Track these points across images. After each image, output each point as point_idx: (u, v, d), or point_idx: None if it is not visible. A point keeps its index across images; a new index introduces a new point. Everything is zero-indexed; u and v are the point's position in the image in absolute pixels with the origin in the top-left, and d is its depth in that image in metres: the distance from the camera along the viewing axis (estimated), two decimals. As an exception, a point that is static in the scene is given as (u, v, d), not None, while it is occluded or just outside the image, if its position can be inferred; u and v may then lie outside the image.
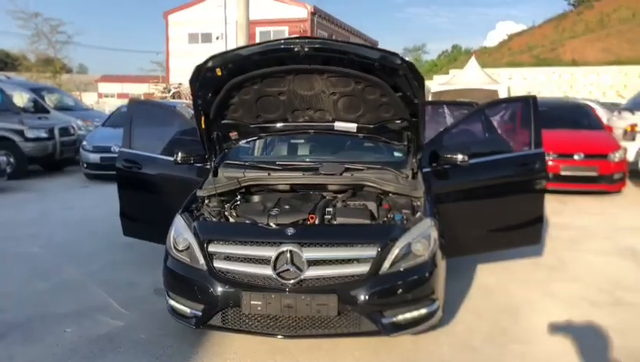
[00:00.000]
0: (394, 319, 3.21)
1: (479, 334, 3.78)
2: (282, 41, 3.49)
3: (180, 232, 3.52)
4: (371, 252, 3.21)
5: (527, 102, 4.82)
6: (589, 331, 3.83)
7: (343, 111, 3.91)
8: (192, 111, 5.45)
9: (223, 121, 4.03)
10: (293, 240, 3.21)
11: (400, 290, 3.23)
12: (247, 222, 3.62)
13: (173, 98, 28.25)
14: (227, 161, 4.24)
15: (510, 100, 5.77)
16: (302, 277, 3.15)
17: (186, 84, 29.66)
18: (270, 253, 3.20)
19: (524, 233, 4.71)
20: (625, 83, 28.70)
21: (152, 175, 4.88)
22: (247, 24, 14.28)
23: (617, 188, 8.76)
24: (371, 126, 3.97)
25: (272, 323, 3.22)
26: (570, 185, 8.55)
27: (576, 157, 8.51)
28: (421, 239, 3.33)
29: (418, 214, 3.60)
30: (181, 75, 32.81)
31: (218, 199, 3.89)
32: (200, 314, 3.32)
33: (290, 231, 3.26)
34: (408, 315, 3.25)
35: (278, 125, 4.09)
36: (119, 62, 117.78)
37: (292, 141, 4.72)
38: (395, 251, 3.24)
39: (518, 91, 28.12)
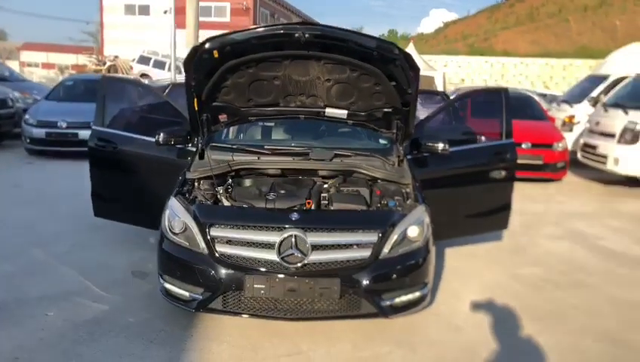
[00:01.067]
0: (392, 302, 3.35)
1: (461, 315, 4.00)
2: (282, 27, 3.49)
3: (176, 215, 3.48)
4: (372, 237, 3.32)
5: (499, 95, 5.05)
6: (559, 311, 4.14)
7: (336, 98, 3.97)
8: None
9: (214, 104, 3.99)
10: (298, 225, 3.26)
11: (398, 274, 3.36)
12: (246, 206, 3.63)
13: (109, 71, 27.13)
14: (214, 144, 4.21)
15: (481, 92, 6.00)
16: (306, 261, 3.22)
17: (123, 57, 28.59)
18: (275, 237, 3.24)
19: (495, 219, 4.98)
20: (551, 74, 30.34)
21: (129, 155, 4.74)
22: (197, -1, 13.91)
23: (560, 176, 9.32)
24: (362, 113, 4.05)
25: (272, 305, 3.27)
26: (518, 172, 8.98)
27: (523, 146, 8.95)
28: (416, 225, 3.47)
29: (409, 201, 3.74)
30: (116, 47, 31.55)
31: (209, 182, 3.87)
32: (201, 297, 3.32)
33: (295, 216, 3.30)
34: (404, 298, 3.40)
35: (269, 109, 4.09)
36: (44, 29, 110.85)
37: (279, 125, 4.72)
38: (394, 237, 3.36)
39: (453, 79, 29.13)
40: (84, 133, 9.02)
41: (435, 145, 4.32)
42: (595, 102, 10.84)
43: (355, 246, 3.32)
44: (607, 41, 32.90)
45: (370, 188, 3.91)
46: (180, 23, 16.06)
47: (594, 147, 9.28)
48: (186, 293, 3.38)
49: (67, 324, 3.64)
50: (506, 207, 4.97)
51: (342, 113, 4.07)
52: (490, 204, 4.94)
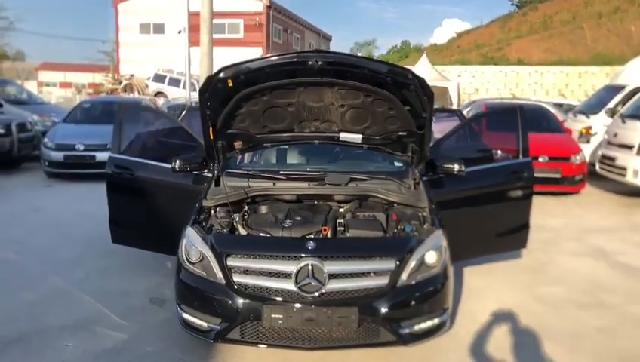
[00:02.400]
0: (411, 329, 3.32)
1: (481, 338, 3.94)
2: (296, 55, 3.51)
3: (193, 244, 3.49)
4: (390, 264, 3.30)
5: (515, 113, 5.02)
6: (581, 333, 4.06)
7: (350, 123, 3.97)
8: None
9: (229, 131, 4.01)
10: (314, 254, 3.26)
11: (416, 302, 3.33)
12: (263, 234, 3.63)
13: (125, 90, 27.51)
14: (229, 170, 4.23)
15: (498, 111, 5.97)
16: (323, 290, 3.20)
17: (138, 76, 28.98)
18: (292, 266, 3.24)
19: (513, 238, 4.94)
20: (566, 82, 30.08)
21: (145, 181, 4.78)
22: (211, 18, 14.08)
23: (578, 189, 9.22)
24: (377, 137, 4.05)
25: (290, 335, 3.26)
26: (535, 186, 8.90)
27: (540, 159, 8.87)
28: (434, 250, 3.44)
29: (426, 225, 3.71)
30: (132, 66, 32.00)
31: (225, 209, 3.88)
32: (219, 328, 3.32)
33: (311, 245, 3.30)
34: (424, 325, 3.36)
35: (284, 135, 4.10)
36: (61, 50, 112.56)
37: (294, 150, 4.74)
38: (411, 263, 3.34)
39: (467, 88, 29.05)
40: (102, 155, 9.19)
41: (451, 166, 4.29)
42: (612, 113, 10.71)
43: (372, 274, 3.30)
44: (623, 47, 32.58)
45: (386, 213, 3.89)
46: (194, 41, 16.25)
47: (612, 159, 9.16)
48: (204, 324, 3.38)
49: (87, 355, 3.65)
50: (524, 226, 4.92)
51: (356, 138, 4.06)
52: (509, 224, 4.89)
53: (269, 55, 3.61)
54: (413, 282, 3.32)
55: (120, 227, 4.97)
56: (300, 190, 3.98)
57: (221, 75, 3.56)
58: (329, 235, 3.66)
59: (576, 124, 11.70)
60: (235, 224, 3.80)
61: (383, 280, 3.28)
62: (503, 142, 5.63)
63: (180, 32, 20.22)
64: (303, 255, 3.26)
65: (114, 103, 10.96)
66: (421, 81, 3.54)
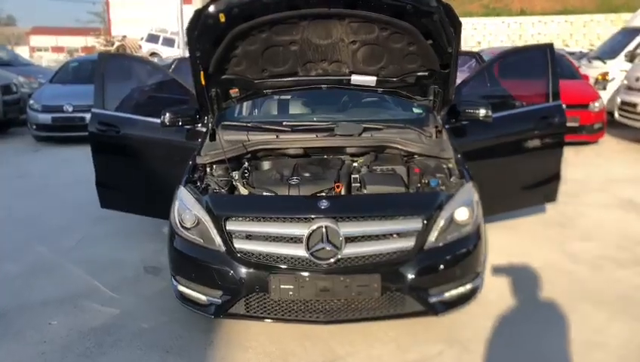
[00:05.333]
0: (441, 297, 2.88)
1: (513, 304, 3.52)
2: None
3: (187, 207, 3.03)
4: (416, 224, 2.84)
5: (544, 52, 4.48)
6: (626, 294, 3.64)
7: (363, 63, 3.44)
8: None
9: (224, 76, 3.49)
10: (328, 214, 2.79)
11: (447, 266, 2.89)
12: (267, 193, 3.16)
13: (118, 51, 26.65)
14: (225, 123, 3.73)
15: (524, 50, 5.41)
16: (339, 256, 2.75)
17: (131, 37, 28.03)
18: (302, 230, 2.77)
19: (543, 191, 4.49)
20: (571, 32, 29.13)
21: (133, 139, 4.29)
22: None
23: (597, 137, 8.70)
24: (394, 79, 3.53)
25: (303, 307, 2.83)
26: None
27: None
28: (465, 206, 2.97)
29: (453, 178, 3.23)
30: (124, 26, 30.97)
31: (223, 167, 3.40)
32: (220, 301, 2.89)
33: (324, 203, 2.82)
34: (455, 292, 2.93)
35: (287, 80, 3.58)
36: (52, 13, 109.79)
37: (299, 97, 4.20)
38: (440, 222, 2.87)
39: (469, 41, 28.10)
40: (92, 117, 8.62)
41: (476, 111, 3.79)
42: (631, 57, 10.09)
43: (395, 236, 2.84)
44: (629, -7, 31.46)
45: (407, 166, 3.41)
46: (186, -2, 15.50)
47: (634, 105, 8.61)
48: (203, 297, 2.95)
49: (73, 334, 3.24)
50: (555, 177, 4.45)
51: (370, 80, 3.54)
52: (538, 175, 4.43)
53: (267, -18, 3.05)
54: (442, 243, 2.86)
55: (108, 190, 4.51)
56: (306, 142, 3.49)
57: (211, 8, 3.02)
58: (343, 192, 3.19)
59: (591, 71, 11.06)
60: (234, 183, 3.32)
61: (409, 243, 2.82)
62: (521, 90, 5.14)
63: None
64: (314, 216, 2.79)
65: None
66: (447, 9, 3.01)
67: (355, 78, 3.54)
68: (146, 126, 4.26)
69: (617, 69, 10.27)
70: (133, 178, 4.37)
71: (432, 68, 3.39)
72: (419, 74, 3.47)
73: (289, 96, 4.15)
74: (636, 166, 7.45)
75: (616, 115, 9.16)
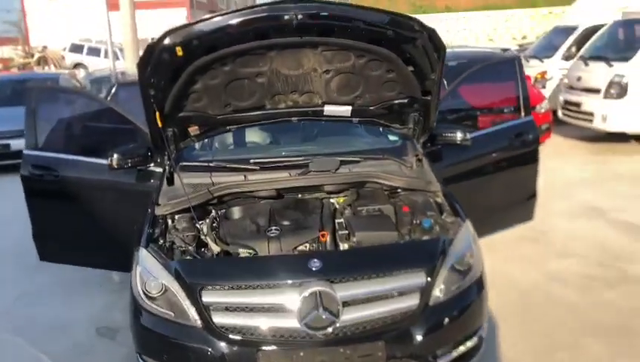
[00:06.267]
0: (450, 356, 2.59)
1: (507, 338, 3.30)
2: (267, 8, 2.60)
3: (151, 274, 2.58)
4: (420, 278, 2.53)
5: (512, 63, 4.33)
6: (622, 322, 3.50)
7: (337, 93, 3.11)
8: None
9: (181, 114, 3.07)
10: (321, 277, 2.43)
11: (455, 320, 2.59)
12: (243, 251, 2.77)
13: (39, 64, 25.04)
14: (184, 163, 3.29)
15: (491, 64, 5.25)
16: (337, 324, 2.40)
17: (52, 47, 26.37)
18: (292, 297, 2.40)
19: (520, 211, 4.31)
20: (494, 27, 30.09)
21: (75, 183, 3.77)
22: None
23: (544, 138, 8.73)
24: (371, 107, 3.22)
25: (297, 383, 2.46)
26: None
27: (505, 110, 8.30)
28: (467, 251, 2.70)
29: (445, 215, 2.95)
30: (43, 36, 29.15)
31: (187, 217, 2.97)
32: (199, 386, 2.47)
33: (316, 264, 2.46)
34: (462, 348, 2.64)
35: (253, 114, 3.19)
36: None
37: (266, 131, 3.79)
38: (444, 272, 2.58)
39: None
40: (17, 143, 7.81)
41: (453, 135, 3.57)
42: (567, 56, 10.30)
43: (397, 295, 2.52)
44: (545, -12, 32.94)
45: (393, 204, 3.10)
46: (112, 5, 14.58)
47: (577, 104, 8.74)
48: (179, 381, 2.52)
49: None
50: (532, 196, 4.29)
51: (345, 110, 3.22)
52: (516, 195, 4.25)
53: (229, 11, 2.66)
54: (447, 297, 2.57)
55: (48, 242, 3.96)
56: (280, 183, 3.11)
57: (166, 41, 2.62)
58: (328, 242, 2.84)
59: (529, 70, 11.23)
60: (202, 237, 2.90)
61: (413, 301, 2.50)
62: (480, 98, 5.01)
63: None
64: (305, 279, 2.43)
65: (26, 80, 9.48)
66: (431, 33, 2.74)
67: (329, 109, 3.21)
68: (90, 167, 3.77)
69: (555, 67, 10.46)
70: (77, 227, 3.85)
71: (413, 95, 3.10)
72: (398, 102, 3.18)
73: (255, 130, 3.74)
74: (585, 166, 7.54)
75: (560, 114, 9.29)
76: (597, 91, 8.32)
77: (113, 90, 6.03)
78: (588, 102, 8.47)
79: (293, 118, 3.27)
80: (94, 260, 3.96)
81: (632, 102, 7.86)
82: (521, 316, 3.58)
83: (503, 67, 4.61)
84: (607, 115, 8.10)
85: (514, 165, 4.18)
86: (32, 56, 25.95)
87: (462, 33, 30.26)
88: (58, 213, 3.87)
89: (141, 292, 2.60)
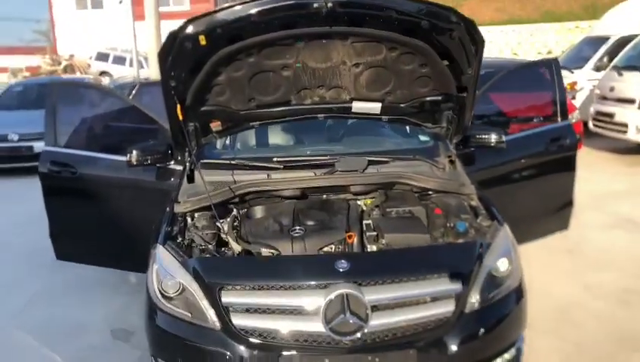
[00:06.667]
0: (486, 369, 2.39)
1: (544, 347, 3.09)
2: None
3: (168, 272, 2.44)
4: (455, 284, 2.34)
5: (549, 66, 4.14)
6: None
7: (366, 88, 2.96)
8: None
9: (203, 108, 2.95)
10: (349, 279, 2.26)
11: (492, 331, 2.40)
12: (266, 250, 2.62)
13: (65, 71, 25.41)
14: (205, 161, 3.15)
15: (527, 66, 5.06)
16: (366, 329, 2.22)
17: (79, 56, 26.78)
18: (317, 299, 2.24)
19: (555, 219, 4.09)
20: (518, 41, 29.78)
21: (93, 180, 3.67)
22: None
23: (576, 150, 8.50)
24: (401, 105, 3.06)
25: (321, 393, 2.29)
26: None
27: (535, 120, 8.07)
28: (505, 257, 2.50)
29: (480, 219, 2.77)
30: (71, 45, 29.64)
31: (207, 215, 2.83)
32: (216, 392, 2.32)
33: (343, 265, 2.29)
34: (499, 361, 2.44)
35: (278, 110, 3.06)
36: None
37: (290, 128, 3.64)
38: (481, 278, 2.39)
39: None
40: (40, 145, 7.80)
41: (488, 136, 3.38)
42: (598, 66, 10.03)
43: (430, 300, 2.34)
44: (571, 3, 32.49)
45: (425, 206, 2.92)
46: (137, 15, 14.73)
47: (610, 115, 8.46)
48: (195, 386, 2.37)
49: None
50: (568, 204, 4.07)
51: (374, 107, 3.07)
52: (551, 203, 4.04)
53: (255, -2, 2.53)
54: (484, 305, 2.38)
55: (64, 240, 3.86)
56: (304, 182, 2.96)
57: (189, 29, 2.50)
58: (355, 243, 2.68)
59: (558, 81, 10.97)
60: (222, 236, 2.75)
61: (447, 307, 2.32)
62: (513, 103, 4.83)
63: (120, 2, 18.45)
64: (332, 281, 2.26)
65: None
66: (469, 25, 2.58)
67: (357, 106, 3.06)
68: (109, 165, 3.68)
69: (585, 78, 10.19)
70: (94, 225, 3.74)
71: (447, 92, 2.94)
72: (431, 99, 3.01)
73: (279, 127, 3.61)
74: (618, 178, 7.25)
75: (591, 125, 9.01)
76: (632, 101, 8.05)
77: (134, 91, 5.97)
78: (622, 112, 8.20)
79: (319, 115, 3.12)
80: (111, 260, 3.85)
81: (668, 113, 7.58)
82: (557, 330, 3.36)
83: (540, 70, 4.41)
84: (643, 126, 7.82)
85: (550, 171, 3.98)
86: (60, 64, 26.38)
87: (486, 46, 30.02)
88: (76, 212, 3.78)
89: (157, 291, 2.46)
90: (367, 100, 3.04)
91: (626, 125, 8.06)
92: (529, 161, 3.92)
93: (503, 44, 29.85)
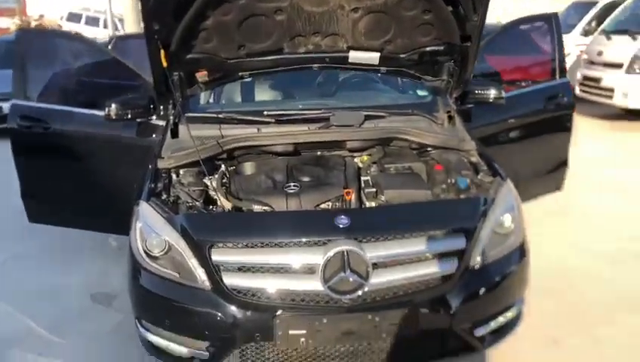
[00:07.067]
0: (489, 328, 2.30)
1: (552, 317, 3.02)
2: None
3: (154, 230, 2.27)
4: (459, 241, 2.22)
5: (549, 21, 4.00)
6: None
7: (365, 36, 2.77)
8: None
9: (189, 56, 2.73)
10: (349, 235, 2.12)
11: (495, 289, 2.30)
12: (258, 207, 2.45)
13: (37, 32, 24.48)
14: (191, 114, 2.95)
15: (524, 21, 4.89)
16: (366, 288, 2.09)
17: (50, 17, 25.79)
18: (316, 256, 2.09)
19: (549, 180, 4.00)
20: (504, 7, 29.58)
21: (68, 136, 3.44)
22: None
23: (563, 114, 8.45)
24: (401, 55, 2.88)
25: (319, 356, 2.17)
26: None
27: (524, 84, 7.97)
28: (508, 213, 2.39)
29: (481, 175, 2.63)
30: (41, 5, 28.51)
31: (193, 172, 2.65)
32: (206, 355, 2.18)
33: (343, 220, 2.15)
34: (502, 319, 2.35)
35: (269, 58, 2.86)
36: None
37: (282, 79, 3.42)
38: (484, 235, 2.27)
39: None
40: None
41: (486, 92, 3.23)
42: (586, 31, 9.92)
43: (433, 258, 2.21)
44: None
45: (425, 163, 2.78)
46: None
47: (597, 80, 8.39)
48: (184, 349, 2.23)
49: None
50: (563, 164, 3.98)
51: (372, 57, 2.88)
52: (546, 162, 3.94)
53: None
54: (488, 262, 2.27)
55: (37, 201, 3.64)
56: (297, 137, 2.78)
57: None
58: (353, 200, 2.53)
59: (545, 46, 10.86)
60: (210, 193, 2.58)
61: (450, 265, 2.20)
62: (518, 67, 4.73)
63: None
64: (331, 238, 2.12)
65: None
66: (475, -34, 2.40)
67: (354, 55, 2.87)
68: (86, 120, 3.44)
69: (573, 43, 10.08)
70: (70, 185, 3.52)
71: (450, 41, 2.77)
72: (432, 48, 2.84)
73: (269, 79, 3.40)
74: (606, 143, 7.22)
75: (578, 90, 8.93)
76: (619, 66, 7.98)
77: (111, 45, 5.64)
78: (609, 77, 8.12)
79: (313, 65, 2.93)
80: (89, 222, 3.64)
81: (655, 78, 7.53)
82: (552, 290, 3.28)
83: (538, 25, 4.25)
84: (629, 91, 7.76)
85: (546, 130, 3.87)
86: (29, 24, 25.37)
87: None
88: (49, 170, 3.54)
89: (141, 250, 2.29)
90: (365, 50, 2.85)
91: (612, 90, 8.00)
92: (525, 119, 3.79)
93: (490, 9, 29.69)
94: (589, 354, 2.74)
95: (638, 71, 7.71)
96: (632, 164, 6.09)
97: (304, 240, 2.13)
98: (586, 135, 7.61)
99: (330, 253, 2.07)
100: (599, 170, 5.84)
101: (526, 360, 2.68)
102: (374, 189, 2.54)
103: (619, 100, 7.92)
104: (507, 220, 2.36)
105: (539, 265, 3.49)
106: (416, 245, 2.18)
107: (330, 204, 2.49)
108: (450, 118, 3.01)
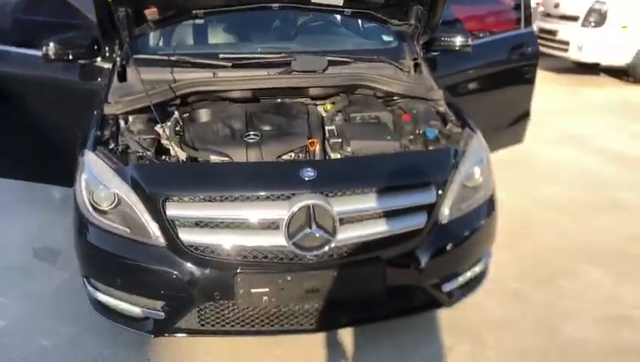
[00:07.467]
0: (456, 282, 2.25)
1: (512, 269, 3.02)
2: None
3: (101, 182, 2.08)
4: (429, 195, 2.13)
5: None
6: (618, 248, 3.27)
7: (329, -26, 2.58)
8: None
9: (136, -11, 2.47)
10: (315, 189, 1.99)
11: (463, 243, 2.24)
12: (216, 158, 2.28)
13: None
14: (139, 56, 2.69)
15: None
16: (333, 244, 1.99)
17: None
18: (280, 211, 1.96)
19: (511, 132, 3.97)
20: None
21: (3, 78, 3.12)
22: None
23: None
24: (368, -4, 2.70)
25: (282, 315, 2.07)
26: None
27: (481, 35, 7.89)
28: (477, 166, 2.31)
29: (450, 126, 2.54)
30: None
31: (143, 118, 2.44)
32: (162, 314, 2.05)
33: (309, 172, 2.01)
34: (469, 274, 2.31)
35: (225, -4, 2.62)
36: None
37: (239, 20, 3.16)
38: (454, 188, 2.19)
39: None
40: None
41: (452, 39, 3.10)
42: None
43: (402, 212, 2.12)
44: None
45: (391, 112, 2.66)
46: None
47: (553, 32, 8.38)
48: (137, 309, 2.09)
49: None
50: (525, 115, 3.95)
51: (337, -2, 2.69)
52: (508, 114, 3.90)
53: None
54: (457, 216, 2.20)
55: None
56: (256, 82, 2.60)
57: None
58: (318, 151, 2.39)
59: (502, -3, 10.77)
60: (163, 142, 2.38)
61: (419, 219, 2.11)
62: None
63: None
64: (296, 191, 1.99)
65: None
66: None
67: (318, -5, 2.67)
68: (21, 60, 3.13)
69: (530, -5, 10.03)
70: (6, 133, 3.23)
71: (420, -19, 2.61)
72: None
73: (223, 20, 3.15)
74: (559, 96, 7.24)
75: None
76: (575, 19, 7.97)
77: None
78: (564, 30, 8.12)
79: (273, 4, 2.71)
80: (29, 173, 3.37)
81: (610, 32, 7.58)
82: (511, 243, 3.28)
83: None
84: (584, 45, 7.80)
85: (510, 80, 3.80)
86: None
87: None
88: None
89: (88, 204, 2.10)
90: (328, -11, 2.66)
91: (567, 43, 8.02)
92: (489, 69, 3.70)
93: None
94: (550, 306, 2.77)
95: (593, 24, 7.73)
96: (587, 118, 6.15)
97: (267, 193, 1.99)
98: (542, 88, 7.62)
99: (295, 208, 1.94)
100: (554, 124, 5.87)
101: (489, 315, 2.67)
102: (339, 140, 2.40)
103: (574, 54, 7.96)
104: (477, 173, 2.29)
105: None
106: (384, 199, 2.07)
107: (293, 155, 2.34)
108: (417, 65, 2.88)
